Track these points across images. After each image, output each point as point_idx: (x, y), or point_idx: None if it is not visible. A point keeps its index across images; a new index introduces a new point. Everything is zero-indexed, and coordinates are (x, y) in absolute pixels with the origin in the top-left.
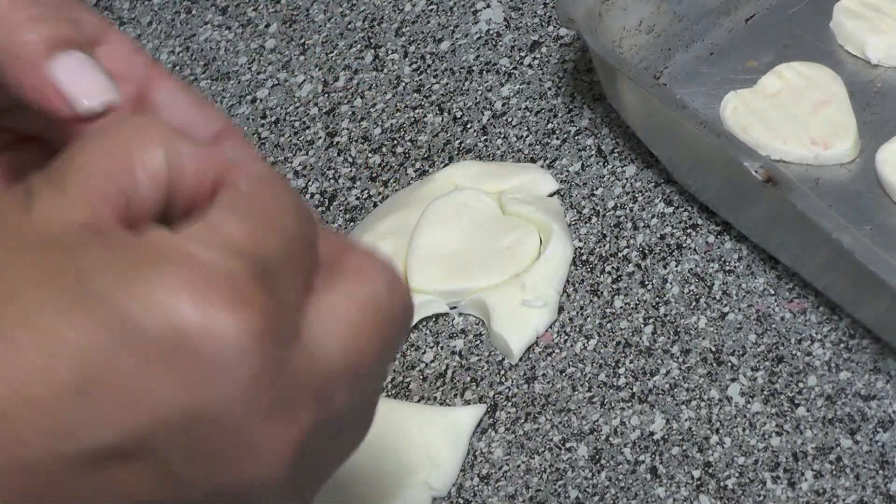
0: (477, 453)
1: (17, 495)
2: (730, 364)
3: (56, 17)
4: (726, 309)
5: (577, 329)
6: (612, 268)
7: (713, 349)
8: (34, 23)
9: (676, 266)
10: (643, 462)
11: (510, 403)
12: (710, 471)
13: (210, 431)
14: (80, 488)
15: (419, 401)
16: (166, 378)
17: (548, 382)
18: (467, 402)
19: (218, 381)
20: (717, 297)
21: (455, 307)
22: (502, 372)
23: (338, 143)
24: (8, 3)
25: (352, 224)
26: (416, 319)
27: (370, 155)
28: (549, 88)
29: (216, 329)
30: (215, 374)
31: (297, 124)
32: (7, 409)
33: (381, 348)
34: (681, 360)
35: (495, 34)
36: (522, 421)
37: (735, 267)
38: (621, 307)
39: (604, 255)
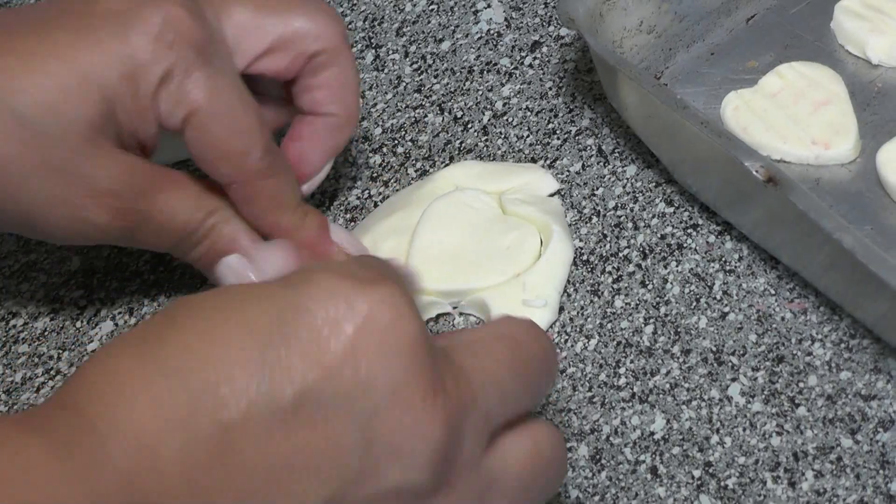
0: None
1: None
2: (730, 364)
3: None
4: (727, 309)
5: (578, 329)
6: (613, 268)
7: (714, 349)
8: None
9: (677, 266)
10: (644, 462)
11: None
12: (710, 471)
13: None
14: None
15: None
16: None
17: None
18: None
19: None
20: (718, 297)
21: (455, 307)
22: None
23: None
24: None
25: (352, 224)
26: None
27: (371, 155)
28: (550, 88)
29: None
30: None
31: None
32: None
33: (513, 366)
34: (681, 359)
35: (496, 34)
36: None
37: (736, 267)
38: (622, 307)
39: (604, 255)
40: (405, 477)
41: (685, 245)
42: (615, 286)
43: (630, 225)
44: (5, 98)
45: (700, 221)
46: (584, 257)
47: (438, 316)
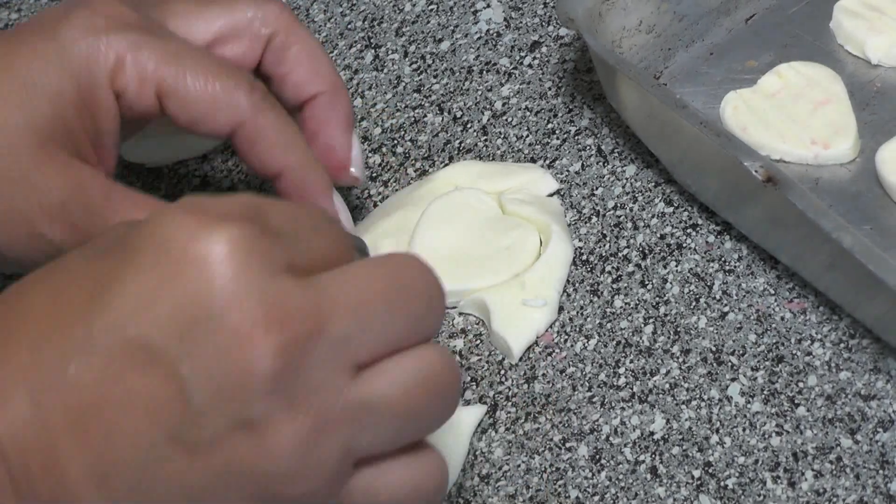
0: (477, 453)
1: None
2: (730, 364)
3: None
4: (726, 309)
5: (578, 329)
6: (612, 267)
7: (713, 349)
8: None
9: (676, 266)
10: (643, 462)
11: (510, 403)
12: (710, 470)
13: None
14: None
15: None
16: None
17: (548, 382)
18: (467, 402)
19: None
20: (718, 297)
21: (455, 307)
22: (502, 372)
23: None
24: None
25: None
26: None
27: (370, 155)
28: (549, 88)
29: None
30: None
31: None
32: None
33: (385, 294)
34: (681, 359)
35: (495, 34)
36: (522, 421)
37: (735, 267)
38: (621, 307)
39: (604, 254)
40: (242, 410)
41: (685, 245)
42: (615, 286)
43: (629, 225)
44: None
45: (699, 221)
46: (584, 257)
47: None
